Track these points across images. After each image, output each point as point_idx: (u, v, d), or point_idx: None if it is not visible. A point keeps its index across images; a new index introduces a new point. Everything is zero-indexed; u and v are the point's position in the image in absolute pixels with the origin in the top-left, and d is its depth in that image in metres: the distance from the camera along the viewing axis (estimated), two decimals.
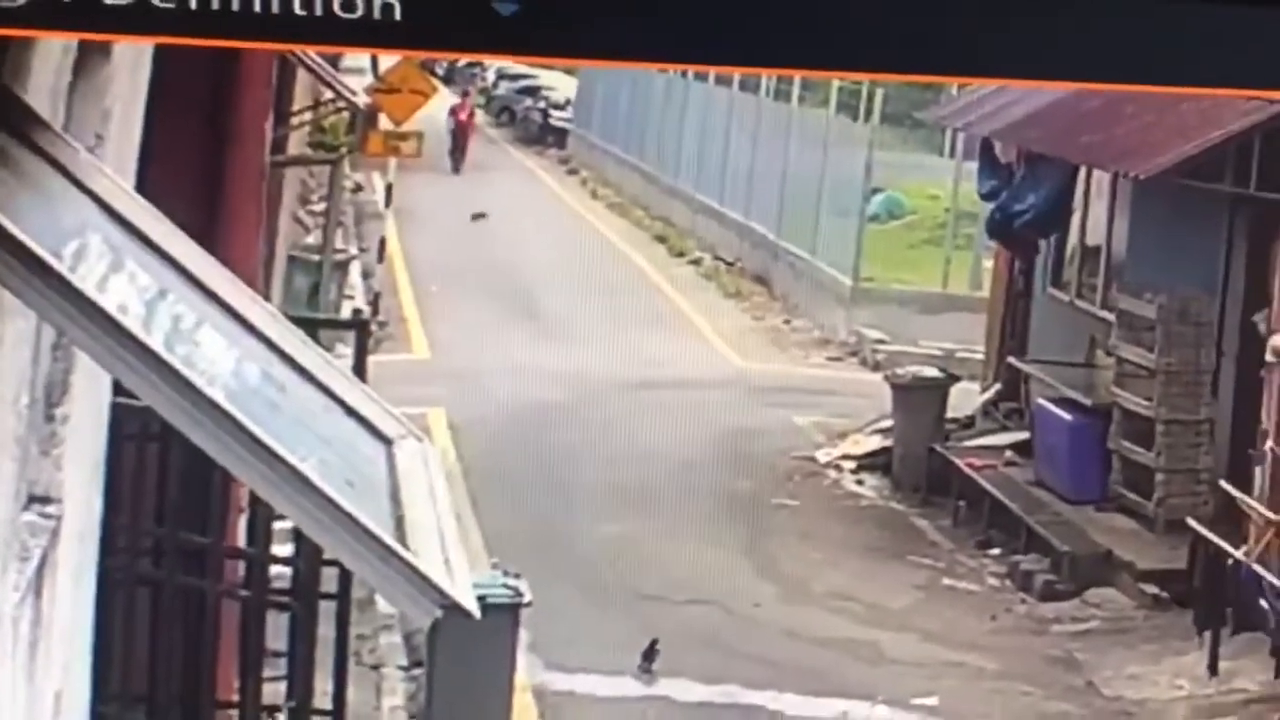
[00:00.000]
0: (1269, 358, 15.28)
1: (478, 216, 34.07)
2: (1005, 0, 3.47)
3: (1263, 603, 13.60)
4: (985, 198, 21.67)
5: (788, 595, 16.74)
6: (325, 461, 4.71)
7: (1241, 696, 14.00)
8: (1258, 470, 15.24)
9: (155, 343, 3.86)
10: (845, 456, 20.95)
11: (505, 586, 12.10)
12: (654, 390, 23.94)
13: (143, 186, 4.66)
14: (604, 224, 37.20)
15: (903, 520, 19.16)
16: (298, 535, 4.98)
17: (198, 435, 4.18)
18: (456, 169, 42.71)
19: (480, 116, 49.83)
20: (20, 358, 3.95)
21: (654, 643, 13.83)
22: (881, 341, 25.78)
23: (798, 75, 29.83)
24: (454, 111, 43.40)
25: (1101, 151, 18.18)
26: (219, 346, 4.34)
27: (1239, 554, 13.99)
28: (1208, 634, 14.49)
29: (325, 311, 18.25)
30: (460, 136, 43.71)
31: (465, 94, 46.22)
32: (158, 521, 5.89)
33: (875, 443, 20.83)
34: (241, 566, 6.41)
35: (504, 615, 11.85)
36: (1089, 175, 19.62)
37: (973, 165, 23.07)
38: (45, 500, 3.79)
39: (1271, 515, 14.20)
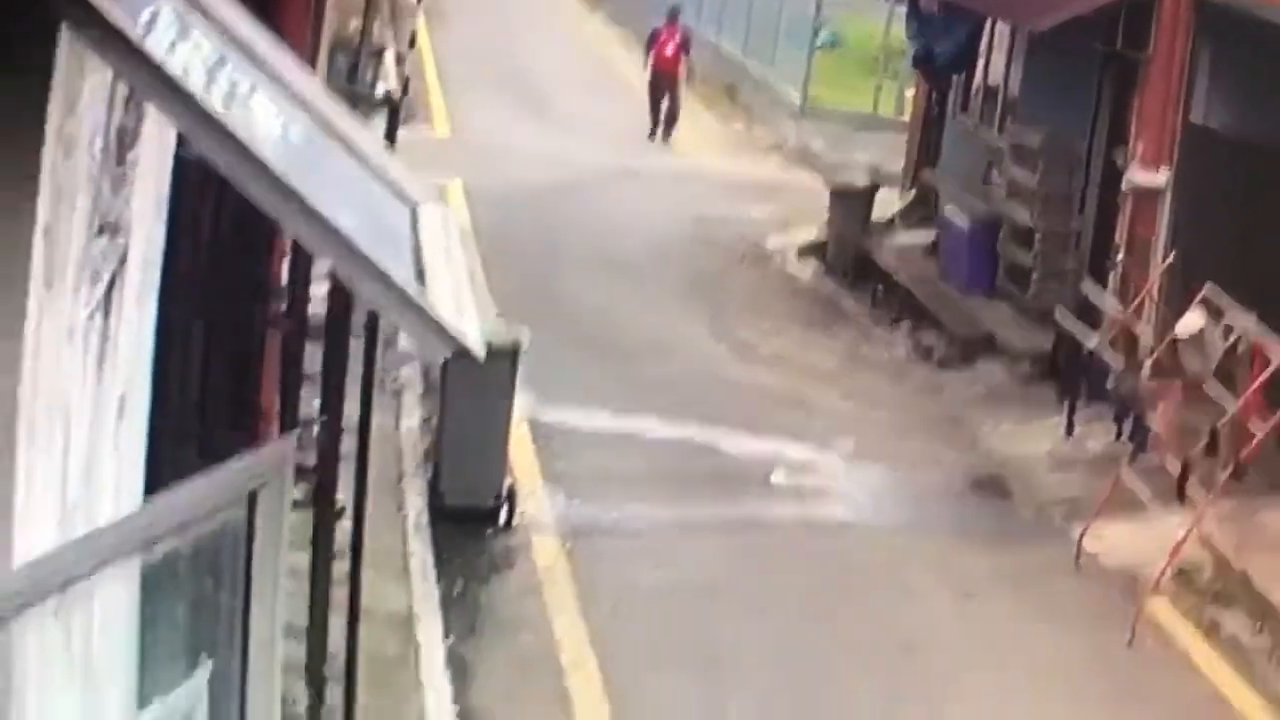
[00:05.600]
0: (1123, 187, 15.38)
1: None
2: None
3: (1108, 382, 13.79)
4: (911, 38, 21.60)
5: (737, 355, 16.71)
6: (359, 218, 4.51)
7: (1089, 454, 14.11)
8: (1110, 275, 15.38)
9: (213, 103, 3.62)
10: (789, 245, 20.99)
11: (507, 334, 11.96)
12: (637, 179, 23.74)
13: None
14: (600, 37, 36.56)
15: (832, 300, 19.15)
16: (333, 276, 4.78)
17: (248, 187, 3.97)
18: (657, 134, 25.70)
19: None
20: (97, 108, 3.72)
21: None
22: (823, 151, 25.69)
23: None
24: (654, 42, 25.74)
25: (1004, 7, 18.26)
26: (270, 112, 4.08)
27: (1092, 342, 14.17)
28: (1066, 403, 14.61)
29: (362, 90, 17.77)
30: (663, 87, 25.41)
31: (673, 18, 26.09)
32: (213, 260, 5.68)
33: (814, 235, 20.87)
34: (284, 302, 6.23)
35: (505, 358, 11.69)
36: (993, 26, 19.49)
37: (902, 10, 22.88)
38: (115, 230, 3.58)
39: (1119, 311, 14.30)
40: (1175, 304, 13.81)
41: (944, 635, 11.11)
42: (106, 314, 3.53)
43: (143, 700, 3.66)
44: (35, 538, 3.21)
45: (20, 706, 3.19)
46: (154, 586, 3.76)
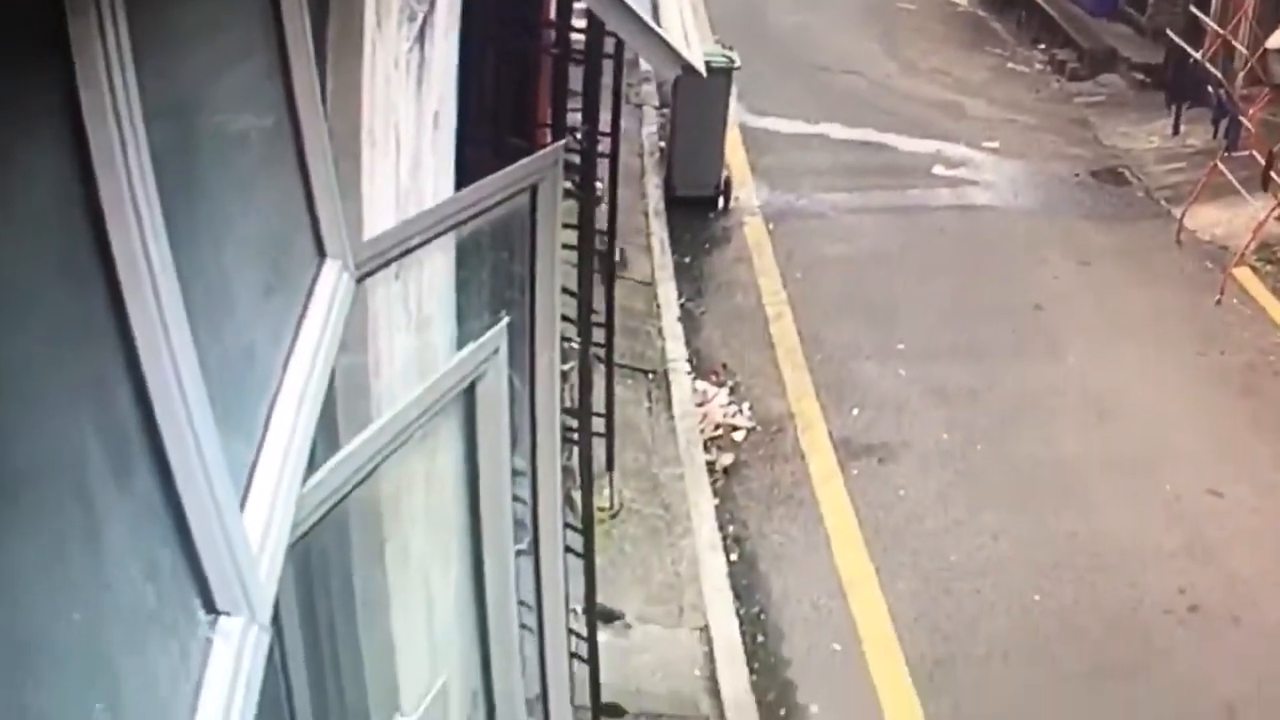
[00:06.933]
0: None
1: None
2: None
3: (1209, 89, 13.14)
4: None
5: (905, 70, 16.22)
6: None
7: (1191, 150, 13.52)
8: None
9: None
10: None
11: (723, 55, 11.74)
12: None
13: None
14: None
15: (984, 23, 18.40)
16: (589, 12, 4.72)
17: None
18: None
19: None
20: None
21: None
22: None
23: None
24: None
25: None
26: None
27: (1197, 55, 13.47)
28: (1173, 107, 13.97)
29: None
30: None
31: None
32: (499, 2, 5.66)
33: None
34: (553, 33, 6.19)
35: (722, 75, 11.50)
36: None
37: None
38: None
39: (1219, 30, 13.53)
40: (1266, 24, 13.11)
41: (1065, 294, 10.95)
42: (422, 46, 3.52)
43: (460, 343, 3.78)
44: (378, 218, 3.28)
45: (375, 345, 3.33)
46: (465, 256, 3.83)
